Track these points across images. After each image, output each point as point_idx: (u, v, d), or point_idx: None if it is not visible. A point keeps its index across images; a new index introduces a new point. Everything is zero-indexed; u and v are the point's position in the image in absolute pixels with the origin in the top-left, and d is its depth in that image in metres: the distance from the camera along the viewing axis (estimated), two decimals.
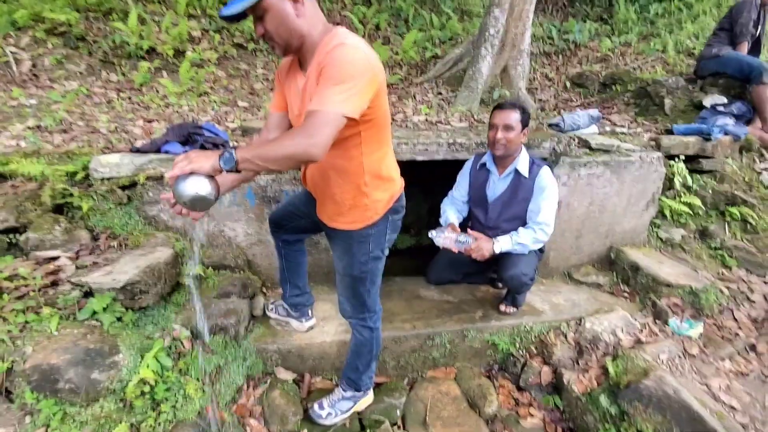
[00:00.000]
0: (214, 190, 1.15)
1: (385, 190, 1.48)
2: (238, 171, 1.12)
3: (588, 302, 2.51)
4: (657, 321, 2.33)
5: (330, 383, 2.12)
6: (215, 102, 3.28)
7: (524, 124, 2.08)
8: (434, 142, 2.43)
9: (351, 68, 1.15)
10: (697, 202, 2.83)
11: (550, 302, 2.50)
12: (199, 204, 1.14)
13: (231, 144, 2.28)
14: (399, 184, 1.57)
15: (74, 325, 1.66)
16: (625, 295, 2.59)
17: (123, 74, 3.52)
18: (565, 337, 2.28)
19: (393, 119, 3.23)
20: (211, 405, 1.75)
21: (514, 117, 2.04)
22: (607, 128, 3.30)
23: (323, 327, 2.18)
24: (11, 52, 3.47)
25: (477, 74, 3.91)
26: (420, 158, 2.43)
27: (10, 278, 1.72)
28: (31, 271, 1.74)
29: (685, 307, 2.36)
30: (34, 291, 1.67)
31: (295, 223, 1.81)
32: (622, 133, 3.15)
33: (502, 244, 2.13)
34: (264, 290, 2.36)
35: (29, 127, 2.50)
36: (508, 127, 2.05)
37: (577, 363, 2.16)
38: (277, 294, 2.30)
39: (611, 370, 1.96)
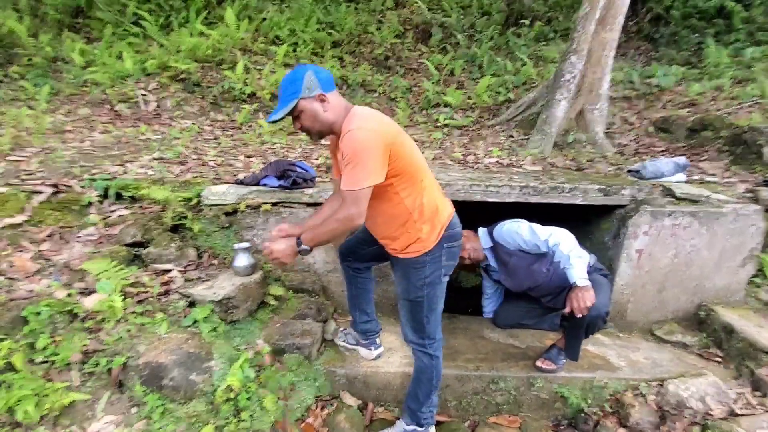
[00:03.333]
0: None
1: (432, 221, 1.63)
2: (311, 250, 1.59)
3: (672, 363, 2.32)
4: (755, 392, 2.09)
5: (391, 415, 2.15)
6: (302, 140, 3.64)
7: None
8: (506, 184, 2.49)
9: (361, 149, 1.41)
10: None
11: (628, 358, 2.35)
12: None
13: (316, 178, 2.53)
14: (447, 212, 1.70)
15: (179, 330, 1.91)
16: (717, 359, 2.35)
17: (227, 115, 4.06)
18: (645, 398, 2.12)
19: (465, 161, 3.34)
20: (283, 420, 1.89)
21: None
22: (696, 177, 3.12)
23: (388, 358, 2.25)
24: (141, 95, 4.18)
25: (551, 118, 3.92)
26: (491, 199, 2.49)
27: (133, 284, 2.04)
28: (151, 281, 2.05)
29: None
30: (152, 297, 1.97)
31: (364, 251, 2.00)
32: (713, 183, 2.95)
33: (575, 274, 2.01)
34: (335, 316, 2.51)
35: (155, 159, 2.97)
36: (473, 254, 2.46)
37: (659, 429, 2.00)
38: (347, 322, 2.43)
39: None
